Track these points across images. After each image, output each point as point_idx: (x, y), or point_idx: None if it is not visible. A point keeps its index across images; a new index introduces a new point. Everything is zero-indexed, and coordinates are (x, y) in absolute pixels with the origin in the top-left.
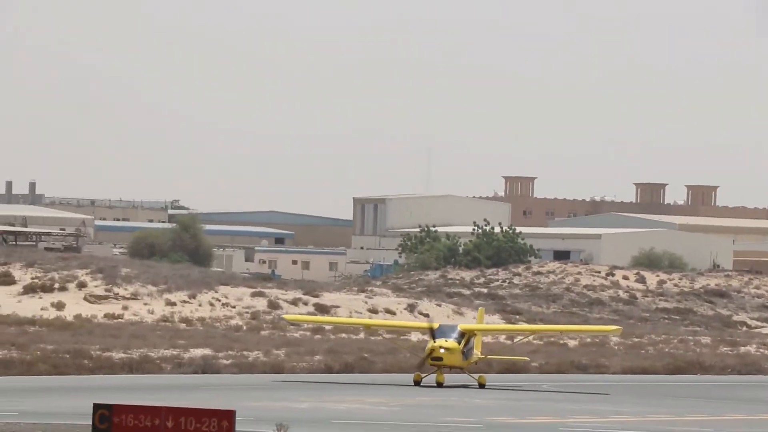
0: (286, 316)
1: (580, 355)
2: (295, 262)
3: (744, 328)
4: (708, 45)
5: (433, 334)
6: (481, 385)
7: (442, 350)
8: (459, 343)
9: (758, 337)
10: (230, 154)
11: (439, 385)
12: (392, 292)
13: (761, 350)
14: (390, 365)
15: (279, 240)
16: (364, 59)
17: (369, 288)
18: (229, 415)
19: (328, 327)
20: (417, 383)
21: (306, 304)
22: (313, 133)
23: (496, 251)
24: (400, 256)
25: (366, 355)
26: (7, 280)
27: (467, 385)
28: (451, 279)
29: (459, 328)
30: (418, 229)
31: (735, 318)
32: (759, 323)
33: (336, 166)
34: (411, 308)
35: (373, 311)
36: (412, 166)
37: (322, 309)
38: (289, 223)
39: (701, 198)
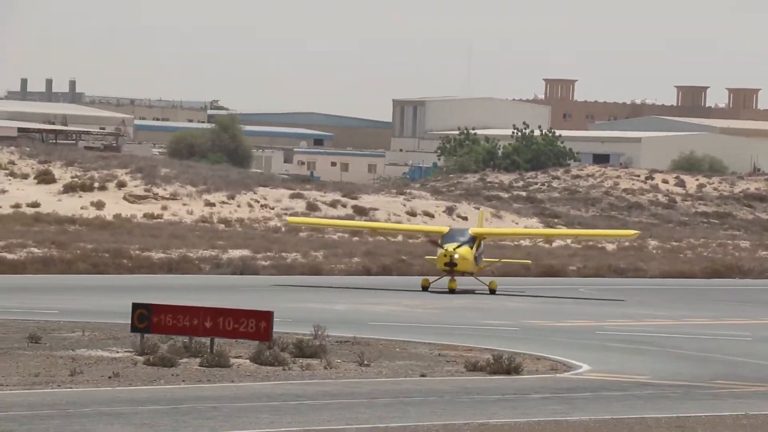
0: (289, 219)
1: (618, 259)
2: (334, 164)
3: None
4: None
5: (443, 239)
6: (492, 291)
7: (455, 256)
8: (471, 248)
9: None
10: (271, 55)
11: (452, 291)
12: (431, 195)
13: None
14: (428, 268)
15: (318, 141)
16: None
17: (407, 191)
18: (267, 316)
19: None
20: (425, 288)
21: (345, 206)
22: (355, 36)
23: (535, 154)
24: (439, 159)
25: (404, 257)
26: (47, 178)
27: (475, 290)
28: (489, 182)
29: (470, 233)
30: (457, 132)
31: None
32: None
33: (376, 67)
34: (450, 211)
35: (412, 214)
36: (452, 69)
37: (360, 211)
38: (329, 124)
39: (743, 101)
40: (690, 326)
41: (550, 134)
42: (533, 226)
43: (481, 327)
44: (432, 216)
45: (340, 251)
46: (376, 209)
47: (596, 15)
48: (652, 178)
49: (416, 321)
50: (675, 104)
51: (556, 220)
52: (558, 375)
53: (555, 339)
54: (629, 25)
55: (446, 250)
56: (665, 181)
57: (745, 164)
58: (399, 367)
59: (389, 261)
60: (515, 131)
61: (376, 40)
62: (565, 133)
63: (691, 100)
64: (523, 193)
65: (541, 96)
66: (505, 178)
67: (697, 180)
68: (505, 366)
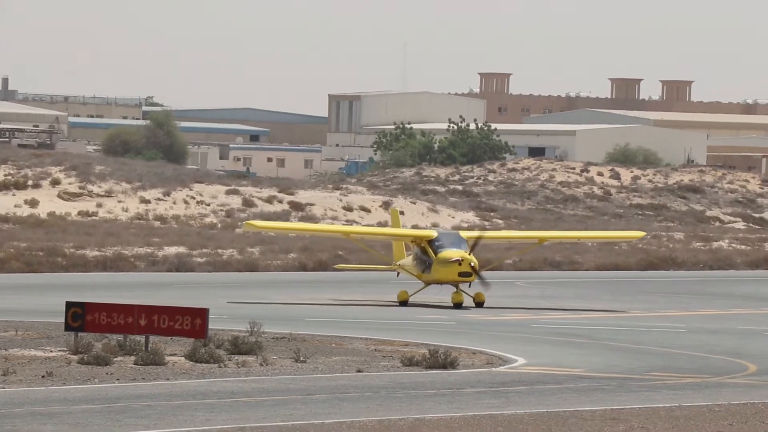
0: (247, 224)
1: (553, 252)
2: (270, 160)
3: (717, 224)
4: None
5: (435, 244)
6: (479, 304)
7: (471, 264)
8: (470, 254)
9: (731, 232)
10: (206, 51)
11: (458, 305)
12: (367, 190)
13: (733, 245)
14: (365, 263)
15: (254, 137)
16: None
17: (344, 185)
18: (202, 314)
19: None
20: (403, 303)
21: (281, 201)
22: (289, 30)
23: (471, 148)
24: (375, 154)
25: (341, 252)
26: None
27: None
28: (426, 176)
29: (464, 237)
30: (393, 126)
31: (708, 213)
32: (732, 218)
33: (311, 63)
34: (386, 206)
35: (348, 209)
36: (388, 63)
37: (296, 206)
38: (265, 120)
39: (676, 93)
40: (625, 318)
41: (485, 128)
42: (469, 220)
43: (418, 322)
44: (368, 211)
45: (276, 247)
46: (312, 204)
47: (530, 7)
48: (588, 171)
49: (353, 316)
50: (609, 97)
51: (492, 214)
52: (494, 369)
53: (491, 333)
54: (563, 18)
55: (459, 256)
56: (600, 174)
57: (679, 156)
58: (335, 362)
59: (326, 257)
60: (451, 125)
61: (312, 35)
62: (500, 126)
63: (625, 93)
64: (460, 187)
65: (477, 90)
66: (442, 172)
67: (632, 172)
68: (441, 360)
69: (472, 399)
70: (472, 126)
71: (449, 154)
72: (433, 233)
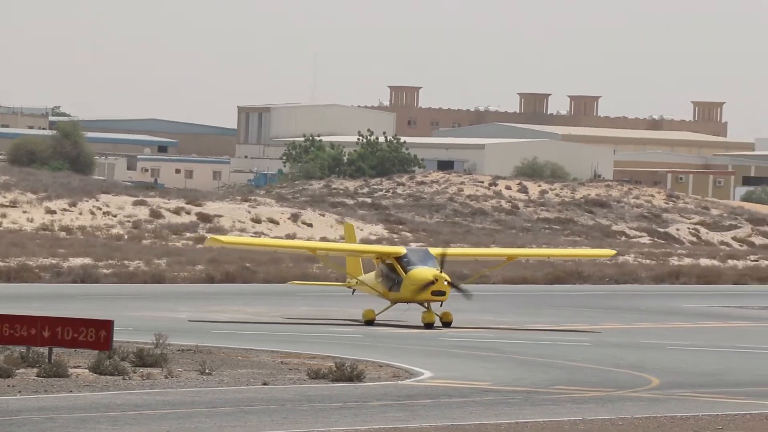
0: (212, 238)
1: (461, 266)
2: (178, 171)
3: (623, 238)
4: None
5: (403, 261)
6: (447, 323)
7: (445, 282)
8: (442, 272)
9: (636, 246)
10: (114, 61)
11: (429, 326)
12: (276, 202)
13: (639, 260)
14: (272, 275)
15: (162, 148)
16: None
17: (252, 197)
18: (107, 326)
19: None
20: (370, 322)
21: (189, 213)
22: (198, 40)
23: (380, 161)
24: (285, 166)
25: (248, 264)
26: None
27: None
28: (335, 189)
29: (433, 254)
30: (302, 139)
31: (614, 228)
32: (637, 233)
33: (221, 73)
34: (294, 218)
35: (256, 221)
36: (298, 75)
37: (204, 218)
38: (173, 131)
39: (583, 108)
40: (531, 332)
41: (395, 141)
42: (378, 232)
43: (326, 334)
44: (277, 223)
45: (183, 259)
46: (220, 216)
47: (439, 21)
48: (496, 185)
49: (260, 329)
50: (518, 111)
51: (400, 227)
52: (400, 382)
53: (398, 346)
54: (472, 32)
55: (432, 274)
56: (508, 188)
57: (586, 170)
58: (241, 375)
59: (233, 268)
60: (360, 138)
61: (221, 45)
62: (409, 139)
63: (534, 107)
64: (368, 200)
65: (386, 103)
66: (351, 184)
67: (540, 186)
68: (347, 373)
69: (378, 412)
70: (382, 139)
71: (358, 166)
72: (402, 250)
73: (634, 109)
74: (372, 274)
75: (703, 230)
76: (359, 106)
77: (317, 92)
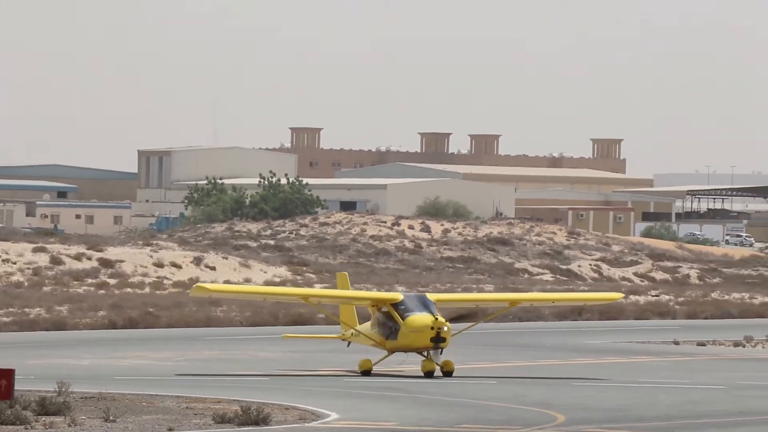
0: (197, 287)
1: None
2: (78, 216)
3: (526, 275)
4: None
5: (400, 308)
6: (448, 373)
7: (445, 328)
8: (441, 318)
9: (539, 283)
10: (11, 106)
11: (430, 374)
12: (178, 246)
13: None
14: (175, 320)
15: (62, 194)
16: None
17: (154, 241)
18: (8, 375)
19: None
20: (366, 373)
21: (90, 258)
22: (96, 85)
23: (283, 203)
24: (186, 209)
25: (151, 309)
26: None
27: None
28: (237, 231)
29: (431, 300)
30: (204, 182)
31: (517, 265)
32: (540, 270)
33: (120, 118)
34: (197, 261)
35: (159, 265)
36: (198, 118)
37: (106, 263)
38: (73, 176)
39: (484, 147)
40: (437, 372)
41: (297, 182)
42: (282, 274)
43: (231, 378)
44: (180, 267)
45: (85, 305)
46: (122, 261)
47: (340, 60)
48: (399, 224)
49: (164, 374)
50: (419, 151)
51: (304, 268)
52: (306, 424)
53: (305, 388)
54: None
55: (431, 321)
56: (411, 227)
57: (488, 209)
58: (145, 421)
59: (136, 314)
60: (262, 180)
61: (119, 89)
62: (312, 181)
63: (435, 147)
64: (272, 242)
65: (288, 144)
66: (253, 226)
67: (442, 225)
68: (253, 417)
69: None
70: (284, 180)
71: (261, 208)
72: (399, 296)
73: (534, 147)
74: (368, 323)
75: (604, 266)
76: (260, 148)
77: (218, 135)
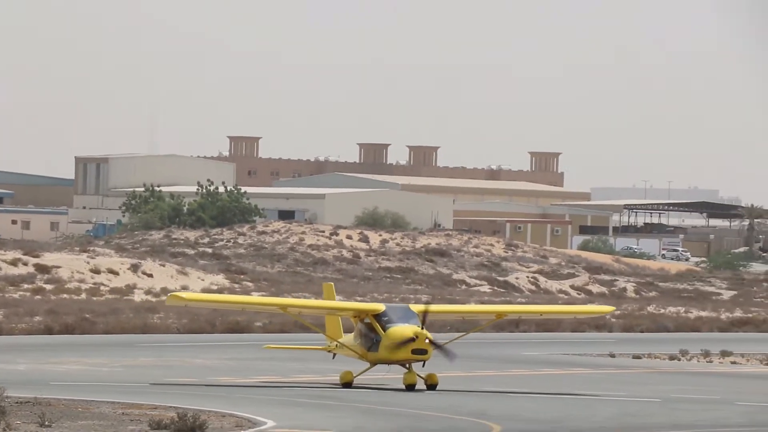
0: (175, 295)
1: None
2: (14, 222)
3: (463, 287)
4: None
5: (382, 319)
6: (432, 386)
7: (426, 340)
8: (423, 329)
9: (476, 294)
10: None
11: (411, 387)
12: (115, 252)
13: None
14: (112, 326)
15: None
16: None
17: (91, 248)
18: None
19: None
20: (347, 385)
21: (26, 264)
22: (32, 89)
23: (221, 211)
24: (124, 216)
25: (87, 315)
26: None
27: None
28: (175, 239)
29: (414, 311)
30: (141, 189)
31: (455, 276)
32: (477, 281)
33: (57, 124)
34: (135, 268)
35: (96, 271)
36: (136, 125)
37: (42, 269)
38: (9, 182)
39: (423, 158)
40: (379, 380)
41: (235, 191)
42: (219, 282)
43: (167, 385)
44: (117, 273)
45: (21, 310)
46: (59, 267)
47: (277, 72)
48: (337, 234)
49: (100, 380)
50: (358, 161)
51: (242, 276)
52: (243, 431)
53: (241, 396)
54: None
55: (412, 332)
56: (349, 237)
57: (426, 220)
58: (81, 427)
59: (72, 319)
60: (200, 188)
61: (56, 95)
62: (250, 189)
63: (373, 157)
64: (209, 250)
65: (226, 153)
66: (191, 234)
67: (380, 235)
68: (189, 424)
69: None
70: (222, 189)
71: (199, 216)
72: (381, 307)
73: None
74: (351, 335)
75: (541, 278)
76: (199, 156)
77: (156, 142)
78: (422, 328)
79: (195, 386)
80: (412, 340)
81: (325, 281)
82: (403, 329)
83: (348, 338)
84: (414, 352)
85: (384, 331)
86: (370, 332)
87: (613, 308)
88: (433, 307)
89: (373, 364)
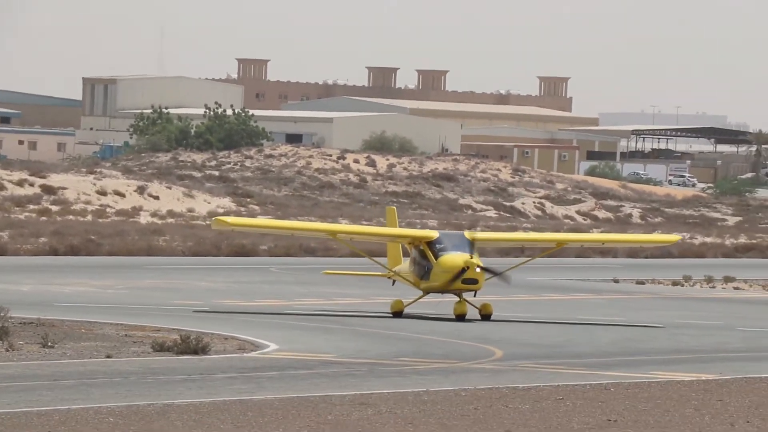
0: (220, 219)
1: (308, 239)
2: (21, 143)
3: (470, 212)
4: None
5: (435, 246)
6: (486, 316)
7: (477, 269)
8: (476, 258)
9: (482, 219)
10: None
11: (461, 317)
12: (122, 174)
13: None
14: (117, 248)
15: (5, 119)
16: None
17: (98, 169)
18: None
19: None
20: (398, 314)
21: (32, 185)
22: (41, 9)
23: (228, 134)
24: (131, 138)
25: (93, 237)
26: None
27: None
28: (182, 161)
29: (467, 238)
30: (149, 111)
31: (461, 201)
32: (484, 206)
33: (65, 43)
34: (141, 190)
35: (102, 193)
36: (144, 46)
37: (48, 190)
38: (16, 102)
39: (431, 82)
40: (378, 304)
41: (242, 114)
42: (226, 205)
43: (172, 307)
44: (123, 195)
45: (26, 231)
46: (65, 188)
47: None
48: (344, 158)
49: (105, 302)
50: (366, 85)
51: (248, 200)
52: (245, 354)
53: (244, 319)
54: (321, 5)
55: (463, 261)
56: (356, 161)
57: (434, 144)
58: (84, 348)
59: (77, 241)
60: (208, 110)
61: (64, 15)
62: (258, 112)
63: (382, 81)
64: (216, 173)
65: (234, 75)
66: (198, 157)
67: (388, 160)
68: (192, 346)
69: (223, 384)
70: (229, 112)
71: (206, 139)
72: (434, 234)
73: (481, 83)
74: (407, 262)
75: (548, 204)
76: (207, 79)
77: (164, 64)
78: (471, 257)
79: (237, 313)
80: (463, 270)
81: (331, 205)
82: (454, 258)
83: (404, 266)
84: (464, 281)
85: (436, 259)
86: (423, 260)
87: (680, 237)
88: (494, 235)
89: (426, 292)
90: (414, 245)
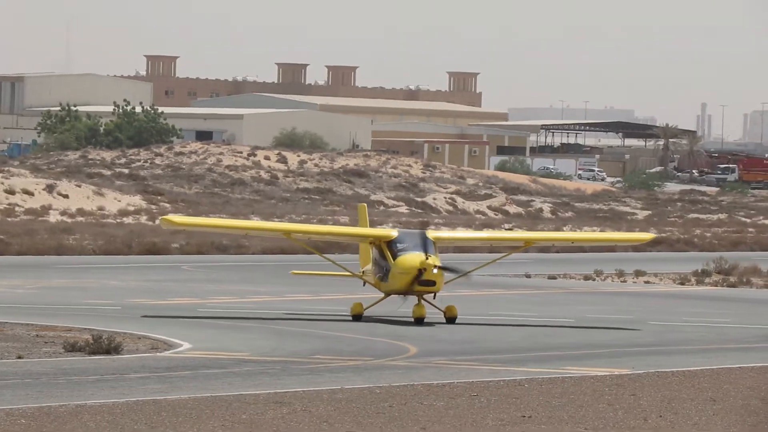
0: (167, 219)
1: (220, 236)
2: None
3: (381, 208)
4: None
5: (393, 245)
6: (451, 319)
7: (435, 270)
8: (435, 258)
9: (394, 215)
10: None
11: (420, 321)
12: (30, 173)
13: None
14: (26, 247)
15: None
16: None
17: (6, 168)
18: None
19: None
20: (357, 317)
21: None
22: None
23: (138, 131)
24: (39, 136)
25: (2, 236)
26: None
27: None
28: (91, 159)
29: (430, 238)
30: (57, 108)
31: (373, 197)
32: (395, 202)
33: None
34: (50, 189)
35: (10, 192)
36: (52, 44)
37: None
38: None
39: (341, 78)
40: (290, 302)
41: (152, 111)
42: (136, 203)
43: (83, 307)
44: (32, 194)
45: None
46: None
47: None
48: (255, 155)
49: (14, 302)
50: (276, 81)
51: (159, 198)
52: (158, 354)
53: (156, 318)
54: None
55: (419, 262)
56: (267, 158)
57: (345, 141)
58: None
59: None
60: (116, 108)
61: None
62: (167, 110)
63: (292, 78)
64: (126, 170)
65: (143, 72)
66: (107, 155)
67: (299, 156)
68: (104, 346)
69: (136, 384)
70: (138, 109)
71: (115, 137)
72: (393, 233)
73: (390, 79)
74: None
75: (459, 199)
76: (115, 76)
77: (72, 61)
78: (428, 257)
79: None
80: (420, 272)
81: (243, 202)
82: (410, 258)
83: (369, 266)
84: (421, 283)
85: (393, 260)
86: (383, 260)
87: (653, 236)
88: (460, 235)
89: (386, 294)
90: (374, 245)
